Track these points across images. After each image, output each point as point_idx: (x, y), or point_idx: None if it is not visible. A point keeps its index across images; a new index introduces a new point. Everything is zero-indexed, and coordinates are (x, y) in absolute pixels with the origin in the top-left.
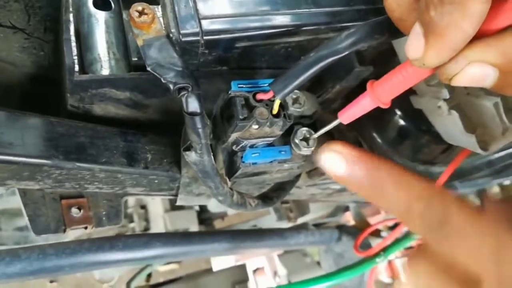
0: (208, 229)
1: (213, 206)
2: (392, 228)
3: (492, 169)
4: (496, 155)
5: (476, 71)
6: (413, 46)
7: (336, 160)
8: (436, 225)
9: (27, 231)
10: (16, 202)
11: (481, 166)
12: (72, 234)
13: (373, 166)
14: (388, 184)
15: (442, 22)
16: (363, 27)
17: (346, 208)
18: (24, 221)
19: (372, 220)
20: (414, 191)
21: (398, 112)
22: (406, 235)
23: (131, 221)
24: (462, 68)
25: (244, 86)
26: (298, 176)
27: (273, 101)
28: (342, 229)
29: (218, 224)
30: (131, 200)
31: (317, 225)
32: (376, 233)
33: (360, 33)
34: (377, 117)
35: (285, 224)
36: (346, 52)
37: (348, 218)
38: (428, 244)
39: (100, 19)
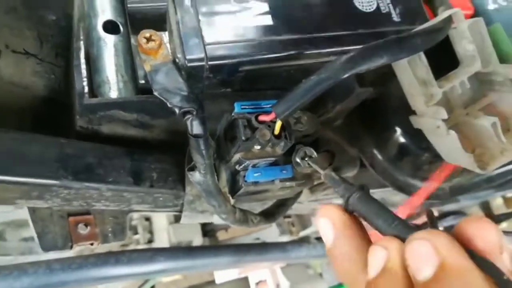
0: (212, 241)
1: (214, 220)
2: None
3: (493, 184)
4: (496, 172)
5: None
6: None
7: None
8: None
9: (32, 242)
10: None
11: (480, 183)
12: (79, 250)
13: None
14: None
15: None
16: (362, 51)
17: None
18: (29, 232)
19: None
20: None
21: (399, 130)
22: None
23: (136, 233)
24: None
25: (247, 107)
26: (300, 193)
27: (275, 122)
28: None
29: (221, 236)
30: (135, 214)
31: (319, 238)
32: None
33: (359, 57)
34: (378, 134)
35: (288, 238)
36: (345, 76)
37: None
38: None
39: (109, 43)
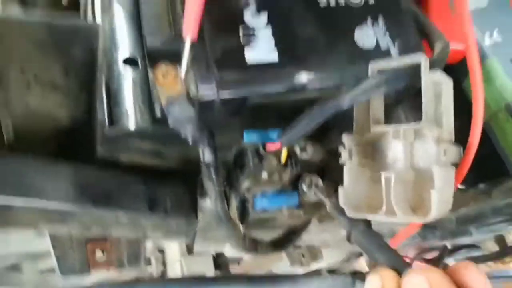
0: (224, 274)
1: (229, 251)
2: None
3: (501, 214)
4: (504, 202)
5: None
6: None
7: None
8: None
9: (48, 274)
10: (38, 245)
11: (486, 213)
12: (95, 275)
13: None
14: None
15: None
16: (361, 87)
17: (360, 254)
18: (45, 264)
19: None
20: None
21: None
22: None
23: (149, 264)
24: None
25: (255, 137)
26: (308, 222)
27: (282, 150)
28: (356, 275)
29: (233, 269)
30: (149, 244)
31: (331, 271)
32: None
33: (358, 92)
34: None
35: (299, 269)
36: (345, 108)
37: (362, 264)
38: None
39: (128, 76)
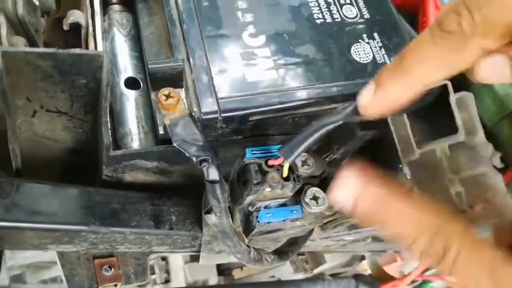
0: (227, 280)
1: (231, 260)
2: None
3: None
4: None
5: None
6: (363, 95)
7: (345, 194)
8: (438, 259)
9: (51, 284)
10: (40, 256)
11: None
12: None
13: (381, 200)
14: (396, 217)
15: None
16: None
17: (362, 257)
18: (48, 274)
19: (388, 269)
20: (420, 225)
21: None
22: (423, 283)
23: (153, 273)
24: None
25: (257, 152)
26: (311, 231)
27: (283, 165)
28: (358, 278)
29: (237, 274)
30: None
31: (334, 275)
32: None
33: (354, 108)
34: (384, 172)
35: (302, 276)
36: (341, 122)
37: (365, 267)
38: None
39: (130, 98)
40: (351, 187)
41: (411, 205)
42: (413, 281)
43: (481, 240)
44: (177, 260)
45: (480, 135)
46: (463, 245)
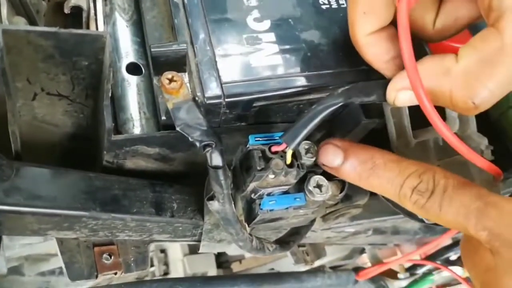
0: (226, 272)
1: (233, 250)
2: (409, 269)
3: None
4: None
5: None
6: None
7: (333, 153)
8: (428, 194)
9: (49, 276)
10: (40, 247)
11: None
12: (102, 279)
13: (366, 156)
14: (382, 170)
15: None
16: (355, 86)
17: (362, 250)
18: (47, 266)
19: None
20: (405, 171)
21: None
22: (424, 276)
23: (151, 265)
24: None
25: (260, 139)
26: (313, 221)
27: (287, 152)
28: (358, 271)
29: (235, 267)
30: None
31: (334, 268)
32: (393, 275)
33: (352, 91)
34: None
35: (302, 267)
36: (340, 104)
37: (365, 260)
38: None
39: (132, 83)
40: (340, 144)
41: (397, 157)
42: (413, 274)
43: (464, 179)
44: (176, 252)
45: (472, 128)
46: (449, 182)
